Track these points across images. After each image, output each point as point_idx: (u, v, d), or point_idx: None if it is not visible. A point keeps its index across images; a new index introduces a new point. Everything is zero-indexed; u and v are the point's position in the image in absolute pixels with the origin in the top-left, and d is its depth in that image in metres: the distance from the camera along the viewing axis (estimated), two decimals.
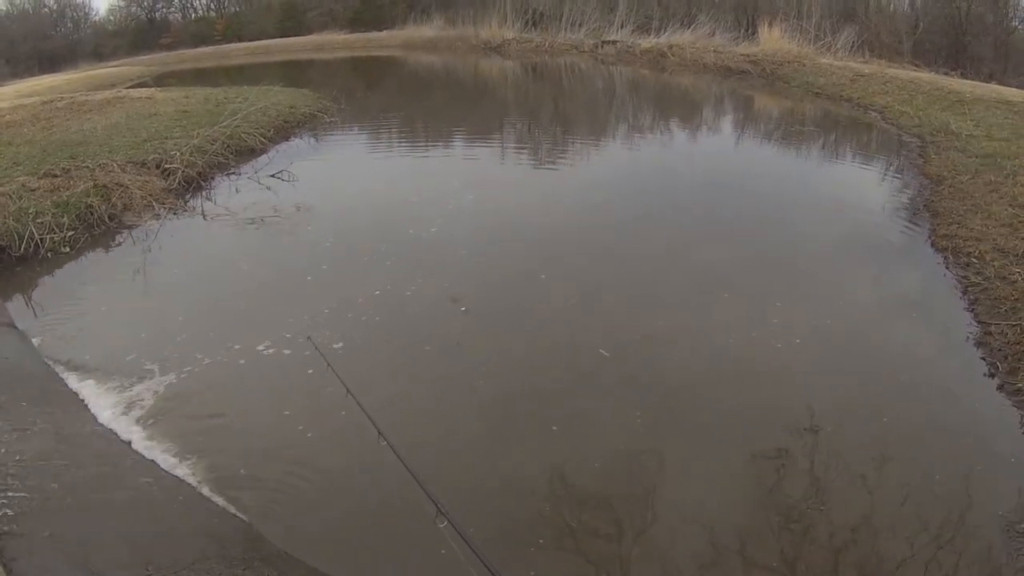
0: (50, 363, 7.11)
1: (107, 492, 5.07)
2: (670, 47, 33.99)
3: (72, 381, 6.79)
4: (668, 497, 5.36)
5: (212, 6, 67.50)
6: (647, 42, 35.86)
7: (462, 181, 14.60)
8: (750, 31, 35.20)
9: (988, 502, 5.16)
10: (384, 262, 10.03)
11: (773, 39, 30.80)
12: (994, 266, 8.89)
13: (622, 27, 39.12)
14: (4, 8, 63.53)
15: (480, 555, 3.62)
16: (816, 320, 8.04)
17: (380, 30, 52.70)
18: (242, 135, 17.94)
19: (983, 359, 7.15)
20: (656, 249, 10.41)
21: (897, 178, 14.02)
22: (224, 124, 17.80)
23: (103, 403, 6.45)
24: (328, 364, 5.85)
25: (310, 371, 6.99)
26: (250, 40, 57.32)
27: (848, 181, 14.34)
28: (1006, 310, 7.87)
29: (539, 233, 11.07)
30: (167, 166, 14.63)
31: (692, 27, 35.35)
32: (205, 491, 5.36)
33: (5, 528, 4.20)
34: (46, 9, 65.55)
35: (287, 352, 7.51)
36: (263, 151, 17.84)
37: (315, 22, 58.63)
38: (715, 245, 10.44)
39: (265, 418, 6.36)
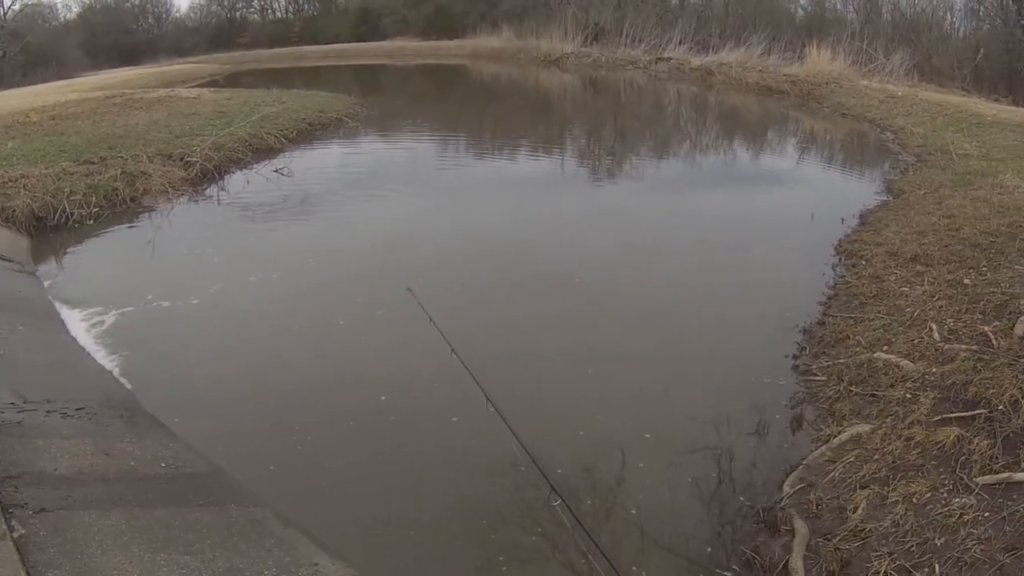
0: (50, 297, 9.41)
1: (44, 363, 7.30)
2: (718, 66, 34.24)
3: (60, 308, 9.00)
4: None
5: (290, 8, 69.27)
6: (698, 60, 36.14)
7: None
8: (805, 50, 35.03)
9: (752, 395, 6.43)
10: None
11: (819, 60, 30.77)
12: (876, 266, 9.21)
13: (680, 44, 39.32)
14: (88, 2, 66.03)
15: (591, 534, 4.39)
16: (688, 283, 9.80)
17: (451, 39, 53.74)
18: (264, 135, 19.29)
19: (797, 343, 7.58)
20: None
21: (860, 192, 14.20)
22: (241, 124, 19.24)
23: (74, 320, 8.62)
24: (430, 319, 7.31)
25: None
26: (325, 43, 58.87)
27: (812, 193, 14.71)
28: (856, 305, 8.22)
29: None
30: (188, 159, 15.96)
31: (746, 46, 35.40)
32: (121, 379, 7.21)
33: None
34: (129, 4, 67.67)
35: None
36: (281, 150, 19.04)
37: (389, 28, 60.00)
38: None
39: (205, 345, 8.25)
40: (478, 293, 9.45)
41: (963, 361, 6.19)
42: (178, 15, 71.19)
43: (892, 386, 6.23)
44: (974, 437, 5.11)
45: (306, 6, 68.59)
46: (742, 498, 5.33)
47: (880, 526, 4.60)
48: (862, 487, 5.03)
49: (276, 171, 16.41)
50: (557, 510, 5.08)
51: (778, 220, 12.46)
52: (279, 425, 6.43)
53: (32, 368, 6.98)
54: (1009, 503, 4.47)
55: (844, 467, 5.31)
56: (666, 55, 38.84)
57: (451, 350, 6.50)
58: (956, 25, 37.37)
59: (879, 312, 7.84)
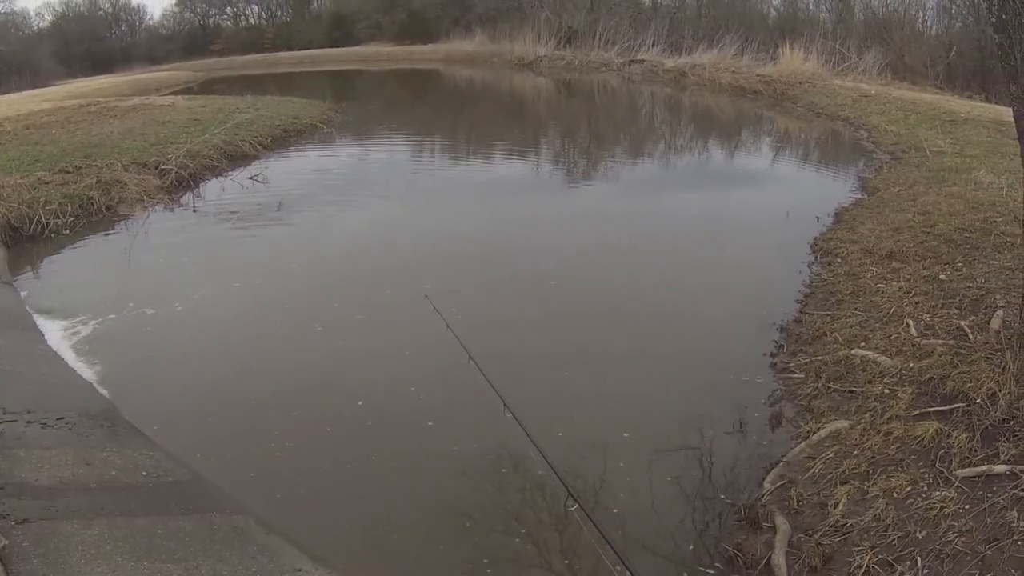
0: (27, 307, 9.35)
1: (23, 373, 7.25)
2: (691, 67, 34.40)
3: (38, 318, 8.97)
4: None
5: (263, 14, 69.12)
6: (671, 62, 36.30)
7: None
8: (779, 51, 35.17)
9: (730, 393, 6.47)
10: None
11: (792, 60, 30.95)
12: (851, 264, 9.26)
13: (653, 46, 39.45)
14: (60, 10, 65.84)
15: (608, 538, 4.28)
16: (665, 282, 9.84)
17: (425, 43, 53.75)
18: (239, 142, 19.24)
19: (775, 341, 7.62)
20: None
21: (835, 190, 14.29)
22: (215, 132, 19.16)
23: (52, 330, 8.57)
24: (447, 325, 6.97)
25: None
26: (299, 49, 58.82)
27: (787, 192, 14.87)
28: (833, 303, 8.27)
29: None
30: (163, 167, 15.87)
31: (719, 47, 35.53)
32: (100, 389, 7.16)
33: None
34: (101, 12, 67.55)
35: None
36: (256, 157, 18.98)
37: (363, 33, 59.94)
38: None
39: (183, 352, 8.14)
40: (464, 295, 9.38)
41: (940, 356, 6.23)
42: (151, 23, 70.89)
43: (870, 382, 6.27)
44: (953, 431, 5.15)
45: (279, 12, 68.40)
46: (723, 496, 5.35)
47: (861, 521, 4.63)
48: (842, 483, 5.06)
49: (252, 178, 16.42)
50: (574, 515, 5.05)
51: (754, 219, 12.54)
52: (260, 432, 6.39)
53: (11, 379, 6.94)
54: (989, 495, 4.51)
55: (824, 463, 5.35)
56: (639, 57, 39.01)
57: (468, 357, 6.37)
58: (928, 23, 37.79)
59: (856, 309, 7.89)
